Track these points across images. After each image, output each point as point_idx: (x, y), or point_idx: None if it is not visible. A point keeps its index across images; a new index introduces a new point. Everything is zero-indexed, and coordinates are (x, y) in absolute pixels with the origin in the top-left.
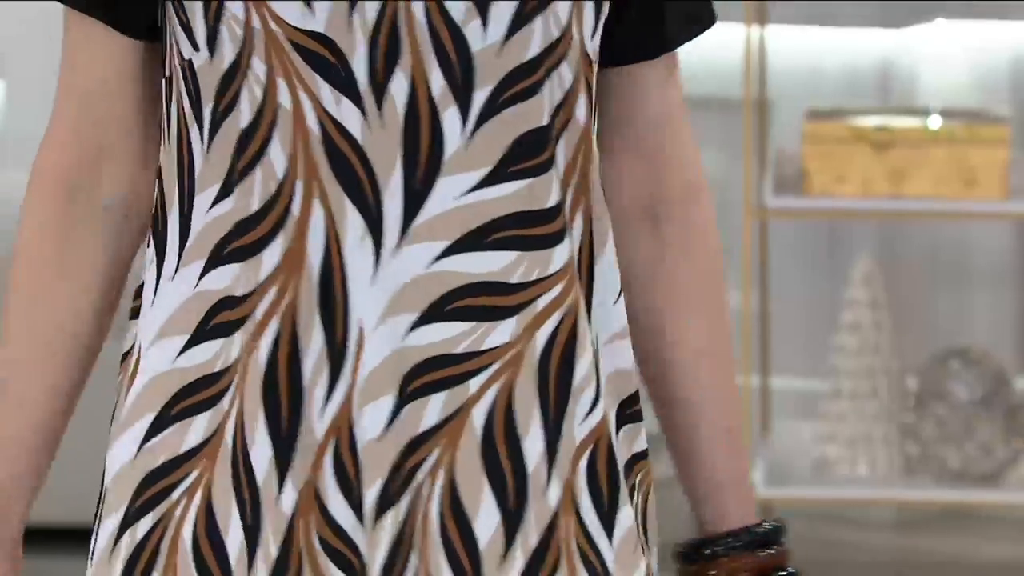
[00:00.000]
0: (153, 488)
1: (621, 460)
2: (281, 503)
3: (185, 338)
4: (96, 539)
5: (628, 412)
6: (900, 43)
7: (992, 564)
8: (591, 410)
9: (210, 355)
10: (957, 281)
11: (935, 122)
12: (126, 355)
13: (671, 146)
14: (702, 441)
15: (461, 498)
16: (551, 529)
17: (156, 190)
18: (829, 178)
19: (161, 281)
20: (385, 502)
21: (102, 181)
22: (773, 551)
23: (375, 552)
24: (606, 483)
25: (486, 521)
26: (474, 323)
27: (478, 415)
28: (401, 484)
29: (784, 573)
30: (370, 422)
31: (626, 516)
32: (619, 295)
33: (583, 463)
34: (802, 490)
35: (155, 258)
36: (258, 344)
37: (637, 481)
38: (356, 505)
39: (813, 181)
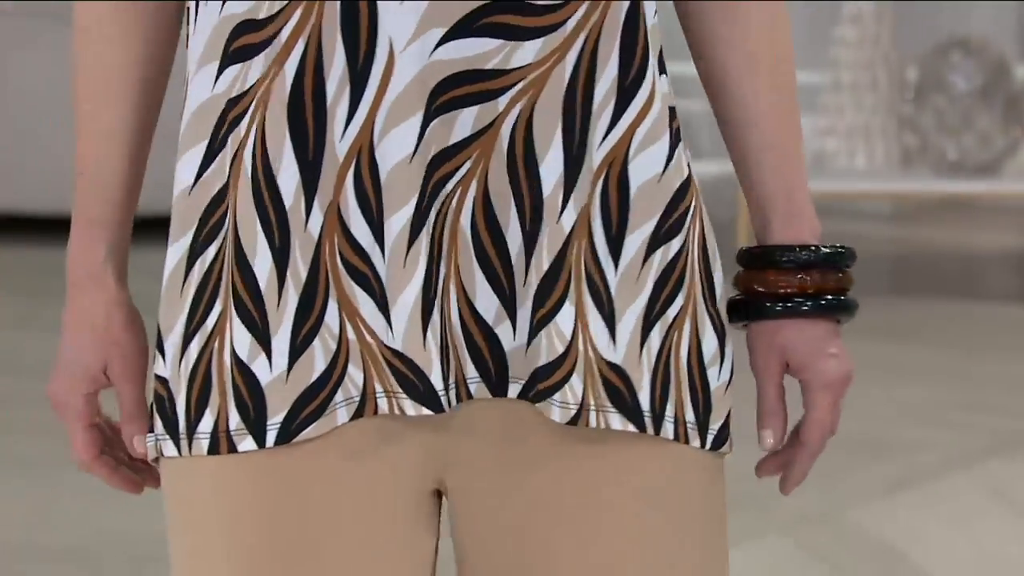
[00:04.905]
0: (212, 218)
1: (636, 184)
2: (309, 226)
3: (217, 63)
4: (168, 258)
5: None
6: None
7: (988, 254)
8: (607, 133)
9: (231, 79)
10: None
11: None
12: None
13: None
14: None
15: (495, 208)
16: (562, 254)
17: None
18: None
19: (200, 7)
20: (419, 220)
21: None
22: (841, 275)
23: (414, 268)
24: (616, 207)
25: (514, 236)
26: (502, 40)
27: (505, 131)
28: (430, 197)
29: (844, 299)
30: (399, 144)
31: (632, 243)
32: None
33: (598, 187)
34: None
35: None
36: (283, 67)
37: (690, 210)
38: (375, 226)
39: None
